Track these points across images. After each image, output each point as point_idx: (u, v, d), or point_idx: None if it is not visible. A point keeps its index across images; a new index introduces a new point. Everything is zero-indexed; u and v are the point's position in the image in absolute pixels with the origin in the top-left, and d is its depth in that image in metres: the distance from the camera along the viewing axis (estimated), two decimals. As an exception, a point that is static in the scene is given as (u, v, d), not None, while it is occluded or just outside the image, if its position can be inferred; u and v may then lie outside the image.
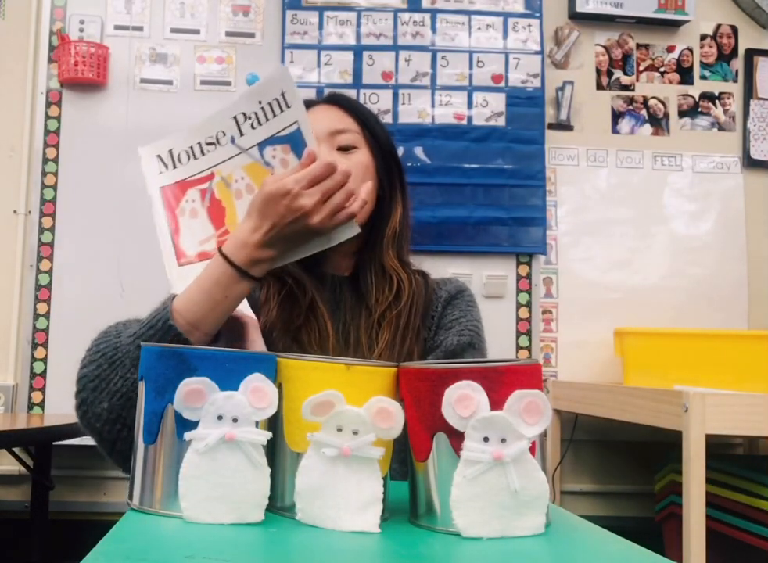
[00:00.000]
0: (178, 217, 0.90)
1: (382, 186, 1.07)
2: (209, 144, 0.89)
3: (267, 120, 0.87)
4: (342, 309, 1.04)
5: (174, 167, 0.90)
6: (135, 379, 0.81)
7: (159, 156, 0.89)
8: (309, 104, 1.07)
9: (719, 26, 2.50)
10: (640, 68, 2.47)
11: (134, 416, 0.75)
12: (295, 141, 0.88)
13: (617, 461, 2.35)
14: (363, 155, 1.04)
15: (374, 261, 1.06)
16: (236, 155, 0.89)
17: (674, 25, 2.47)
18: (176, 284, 0.89)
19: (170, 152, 0.90)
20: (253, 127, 0.88)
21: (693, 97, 2.47)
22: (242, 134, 0.88)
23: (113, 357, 0.85)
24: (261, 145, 0.89)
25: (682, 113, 2.47)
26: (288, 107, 0.86)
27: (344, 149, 1.03)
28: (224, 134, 0.89)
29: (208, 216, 0.91)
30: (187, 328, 0.83)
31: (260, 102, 0.87)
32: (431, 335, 1.05)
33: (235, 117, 0.88)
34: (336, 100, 1.08)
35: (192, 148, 0.90)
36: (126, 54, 2.27)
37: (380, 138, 1.08)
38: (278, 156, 0.88)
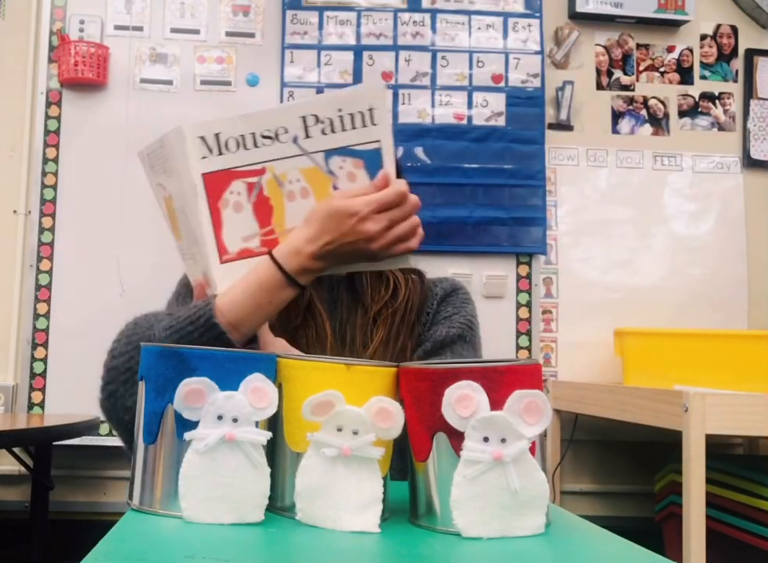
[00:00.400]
0: (221, 209, 0.85)
1: None
2: (265, 137, 0.83)
3: (344, 129, 0.83)
4: (339, 308, 1.05)
5: (220, 154, 0.83)
6: None
7: (203, 138, 0.82)
8: None
9: (719, 26, 2.50)
10: (640, 68, 2.47)
11: None
12: (370, 159, 0.85)
13: (617, 461, 2.34)
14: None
15: None
16: (296, 156, 0.85)
17: (674, 25, 2.47)
18: (218, 282, 0.86)
19: (217, 136, 0.83)
20: (323, 133, 0.83)
21: (693, 97, 2.48)
22: (307, 136, 0.84)
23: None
24: (329, 153, 0.85)
25: (682, 113, 2.47)
26: (374, 124, 0.83)
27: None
28: (286, 131, 0.83)
29: (253, 212, 0.86)
30: (228, 327, 0.83)
31: (339, 110, 0.83)
32: (424, 331, 1.06)
33: (303, 117, 0.83)
34: None
35: (243, 137, 0.83)
36: (126, 54, 2.27)
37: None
38: (345, 169, 0.85)
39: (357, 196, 0.84)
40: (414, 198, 0.86)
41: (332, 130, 0.83)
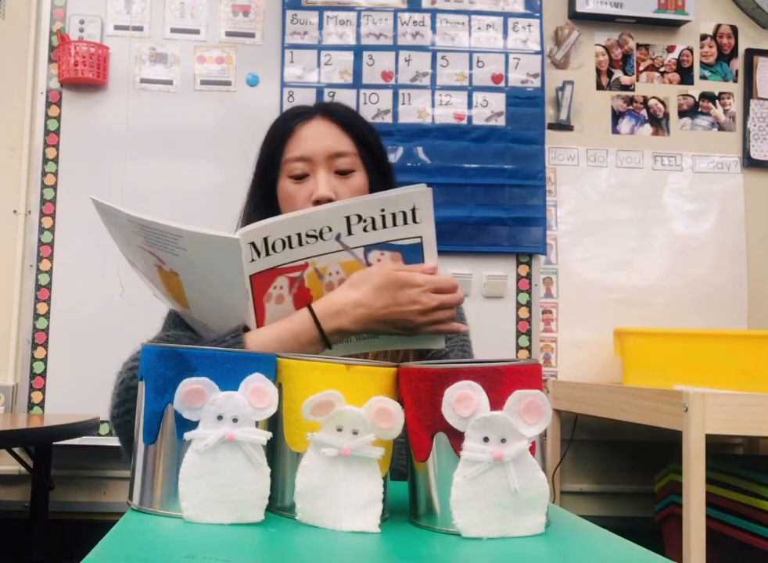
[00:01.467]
0: (264, 303, 0.88)
1: None
2: (309, 236, 0.85)
3: (385, 227, 0.86)
4: None
5: (267, 255, 0.85)
6: None
7: (252, 244, 0.83)
8: (305, 115, 1.08)
9: (719, 26, 2.50)
10: (640, 68, 2.47)
11: None
12: (410, 253, 0.88)
13: (617, 461, 2.35)
14: (359, 179, 1.06)
15: None
16: (337, 252, 0.87)
17: (674, 25, 2.47)
18: (250, 322, 0.88)
19: (265, 239, 0.84)
20: (365, 230, 0.86)
21: (693, 97, 2.48)
22: (350, 234, 0.86)
23: None
24: (369, 248, 0.87)
25: (682, 113, 2.47)
26: (416, 222, 0.85)
27: (342, 173, 1.04)
28: (330, 230, 0.85)
29: (293, 302, 0.89)
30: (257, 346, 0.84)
31: (382, 210, 0.85)
32: None
33: (347, 217, 0.85)
34: (334, 114, 1.07)
35: (289, 237, 0.85)
36: (126, 54, 2.27)
37: (376, 156, 1.09)
38: (384, 261, 0.88)
39: (416, 273, 0.88)
40: (461, 293, 0.91)
41: (374, 228, 0.86)
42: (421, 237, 0.87)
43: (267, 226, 0.83)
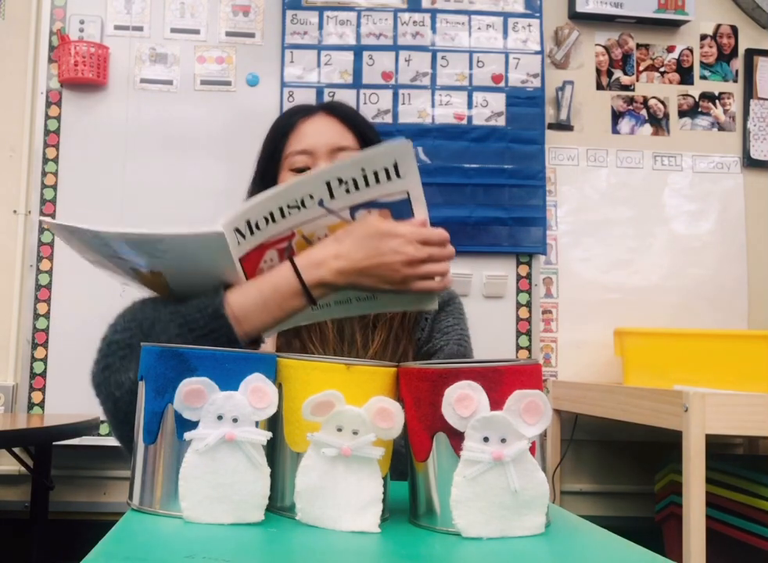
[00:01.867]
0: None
1: None
2: (291, 207, 0.84)
3: (368, 186, 0.83)
4: None
5: (252, 235, 0.84)
6: None
7: (237, 230, 0.82)
8: (308, 112, 1.08)
9: (719, 26, 2.50)
10: (640, 68, 2.47)
11: None
12: (399, 209, 0.85)
13: (617, 461, 2.35)
14: None
15: None
16: (323, 216, 0.85)
17: (674, 25, 2.47)
18: (264, 334, 0.88)
19: (248, 222, 0.83)
20: (347, 192, 0.83)
21: (693, 97, 2.48)
22: (332, 198, 0.84)
23: (149, 329, 0.84)
24: (355, 208, 0.85)
25: (682, 113, 2.47)
26: (399, 177, 0.83)
27: None
28: (312, 198, 0.83)
29: None
30: (233, 320, 0.83)
31: (363, 170, 0.82)
32: (424, 337, 1.08)
33: (328, 182, 0.83)
34: (336, 111, 1.08)
35: (271, 213, 0.84)
36: (126, 54, 2.27)
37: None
38: (370, 215, 0.86)
39: (400, 225, 0.85)
40: (452, 248, 0.87)
41: (357, 188, 0.83)
42: (407, 191, 0.84)
43: (248, 210, 0.82)
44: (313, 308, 0.87)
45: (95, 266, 0.92)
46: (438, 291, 0.88)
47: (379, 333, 1.04)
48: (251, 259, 0.86)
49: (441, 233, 0.86)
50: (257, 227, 0.83)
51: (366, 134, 1.08)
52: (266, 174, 1.09)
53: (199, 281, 0.85)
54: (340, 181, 0.83)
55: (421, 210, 0.86)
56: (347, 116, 1.08)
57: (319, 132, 1.05)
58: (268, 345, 0.95)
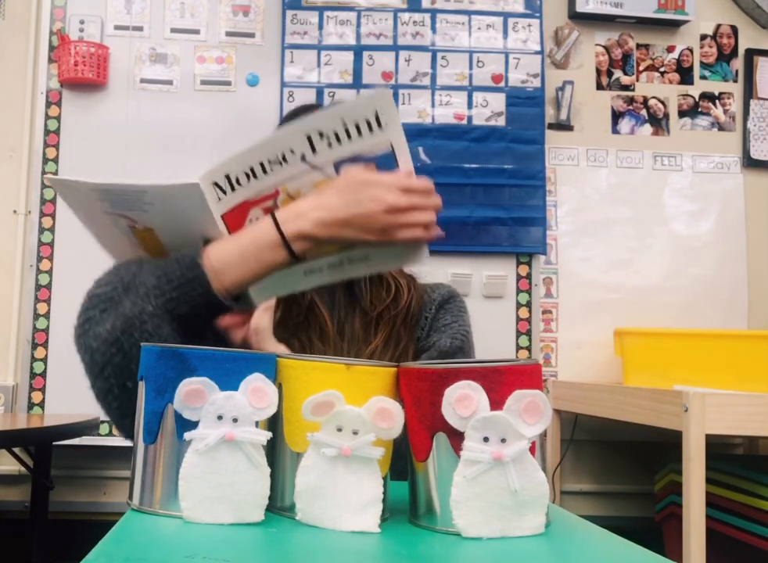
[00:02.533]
0: None
1: None
2: (272, 163, 0.82)
3: (350, 139, 0.81)
4: (336, 308, 1.07)
5: (233, 191, 0.82)
6: (144, 308, 0.81)
7: (216, 184, 0.81)
8: (311, 109, 1.08)
9: (719, 26, 2.50)
10: (640, 68, 2.47)
11: (134, 345, 0.77)
12: (384, 163, 0.84)
13: (617, 461, 2.35)
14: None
15: None
16: (306, 173, 0.83)
17: (674, 25, 2.47)
18: (255, 298, 0.86)
19: (227, 177, 0.81)
20: (329, 146, 0.81)
21: (693, 97, 2.48)
22: (315, 152, 0.82)
23: (129, 283, 0.84)
24: (339, 163, 0.83)
25: (682, 113, 2.47)
26: (381, 128, 0.80)
27: None
28: (293, 152, 0.81)
29: None
30: (210, 271, 0.82)
31: (343, 122, 0.80)
32: (423, 335, 1.08)
33: (309, 136, 0.81)
34: None
35: (252, 169, 0.82)
36: (126, 54, 2.27)
37: None
38: (353, 168, 0.84)
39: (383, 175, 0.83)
40: (438, 197, 0.85)
41: (338, 142, 0.82)
42: (391, 143, 0.82)
43: (226, 164, 0.81)
44: (306, 273, 0.86)
45: (97, 238, 0.93)
46: (424, 241, 0.85)
47: (381, 332, 1.04)
48: (235, 216, 0.84)
49: (424, 182, 0.84)
50: (238, 182, 0.82)
51: None
52: None
53: (190, 240, 0.85)
54: (321, 134, 0.81)
55: (405, 161, 0.83)
56: None
57: None
58: (270, 341, 0.94)
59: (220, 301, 0.82)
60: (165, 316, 0.81)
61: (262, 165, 0.82)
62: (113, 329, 0.81)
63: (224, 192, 0.82)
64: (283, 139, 0.82)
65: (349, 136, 0.81)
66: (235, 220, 0.84)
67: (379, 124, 0.81)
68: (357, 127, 0.81)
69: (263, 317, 0.93)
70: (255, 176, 0.83)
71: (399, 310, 1.05)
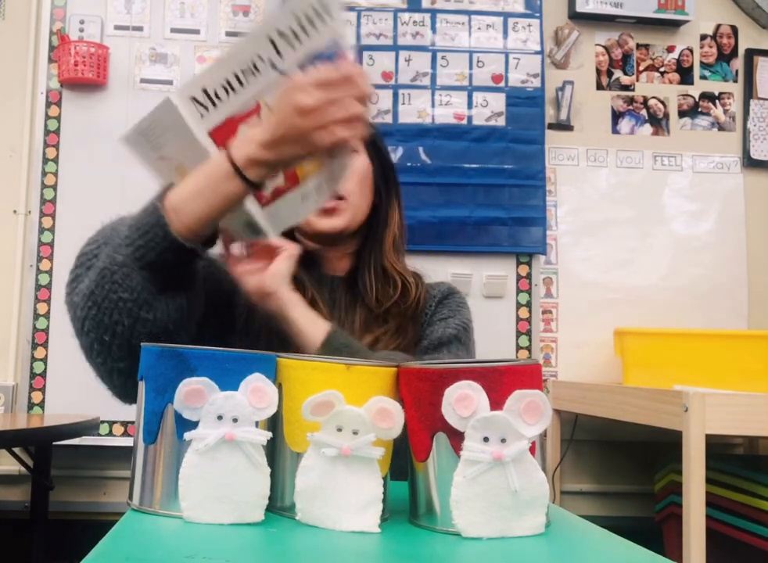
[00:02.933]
0: None
1: (378, 192, 1.09)
2: (245, 72, 0.81)
3: (308, 35, 0.78)
4: (337, 307, 1.07)
5: (215, 106, 0.81)
6: (114, 259, 0.81)
7: (194, 99, 0.80)
8: None
9: (719, 26, 2.50)
10: (640, 68, 2.47)
11: (106, 297, 0.79)
12: (333, 58, 0.80)
13: (617, 461, 2.34)
14: (362, 160, 1.06)
15: (375, 264, 1.09)
16: (280, 82, 0.80)
17: (674, 25, 2.47)
18: (268, 228, 0.85)
19: (205, 91, 0.81)
20: (292, 46, 0.79)
21: (693, 97, 2.47)
22: (280, 56, 0.79)
23: (108, 236, 0.85)
24: (303, 67, 0.79)
25: (682, 113, 2.47)
26: (333, 18, 0.77)
27: None
28: (262, 59, 0.79)
29: None
30: (170, 212, 0.81)
31: (296, 16, 0.77)
32: (422, 331, 1.08)
33: (270, 38, 0.78)
34: None
35: (228, 81, 0.81)
36: (126, 54, 2.27)
37: (378, 143, 1.10)
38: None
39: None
40: (363, 85, 0.77)
41: (298, 40, 0.80)
42: (337, 33, 0.80)
43: (200, 76, 0.82)
44: (302, 199, 0.85)
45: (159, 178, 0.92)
46: (351, 139, 0.78)
47: (388, 325, 1.04)
48: (223, 134, 0.84)
49: (340, 71, 0.76)
50: (217, 96, 0.82)
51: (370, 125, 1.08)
52: None
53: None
54: (281, 34, 0.79)
55: (346, 51, 0.79)
56: None
57: None
58: (285, 287, 0.92)
59: (183, 244, 0.80)
60: (134, 265, 0.80)
61: (237, 76, 0.82)
62: (89, 282, 0.83)
63: (206, 108, 0.82)
64: (249, 44, 0.81)
65: (306, 32, 0.79)
66: (225, 137, 0.84)
67: (330, 14, 0.79)
68: (311, 21, 0.79)
69: (284, 262, 0.92)
70: (233, 89, 0.82)
71: (408, 304, 1.05)
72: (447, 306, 1.10)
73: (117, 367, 0.85)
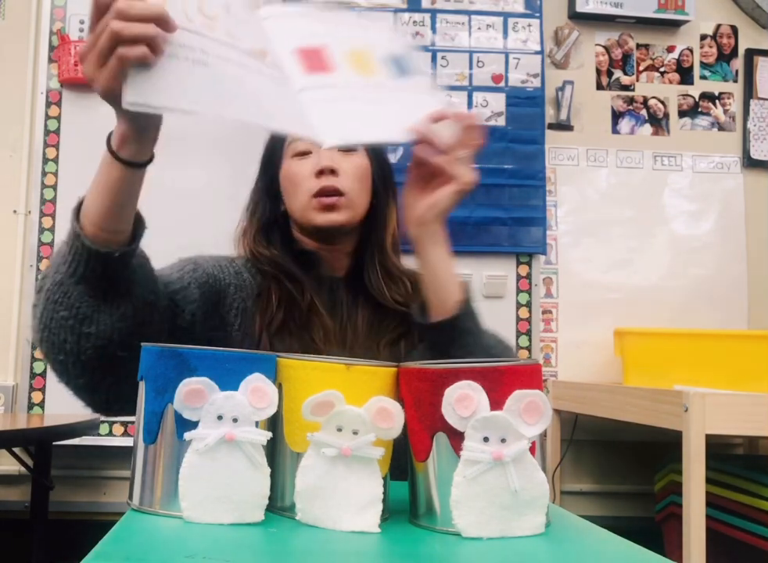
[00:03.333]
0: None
1: (376, 191, 1.09)
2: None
3: None
4: (338, 308, 1.05)
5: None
6: (57, 279, 0.80)
7: None
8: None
9: (719, 26, 2.50)
10: (640, 68, 2.47)
11: (52, 317, 0.79)
12: None
13: (617, 461, 2.35)
14: (361, 159, 1.06)
15: (376, 264, 1.08)
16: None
17: (674, 25, 2.47)
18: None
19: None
20: None
21: (693, 97, 2.48)
22: None
23: (53, 258, 0.84)
24: None
25: (682, 113, 2.47)
26: None
27: (345, 151, 1.04)
28: None
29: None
30: (83, 219, 0.79)
31: None
32: None
33: None
34: None
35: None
36: (126, 54, 2.26)
37: (378, 148, 1.10)
38: None
39: None
40: (121, 4, 0.65)
41: None
42: None
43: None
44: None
45: None
46: (102, 75, 0.69)
47: (385, 328, 1.04)
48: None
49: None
50: None
51: None
52: (269, 164, 1.09)
53: None
54: None
55: None
56: None
57: None
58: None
59: (98, 250, 0.77)
60: (70, 281, 0.79)
61: None
62: (39, 306, 0.82)
63: None
64: None
65: None
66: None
67: None
68: None
69: (451, 196, 0.96)
70: None
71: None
72: None
73: (77, 384, 0.85)
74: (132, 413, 0.87)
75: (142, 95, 0.67)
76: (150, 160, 0.81)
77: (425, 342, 0.98)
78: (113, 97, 0.69)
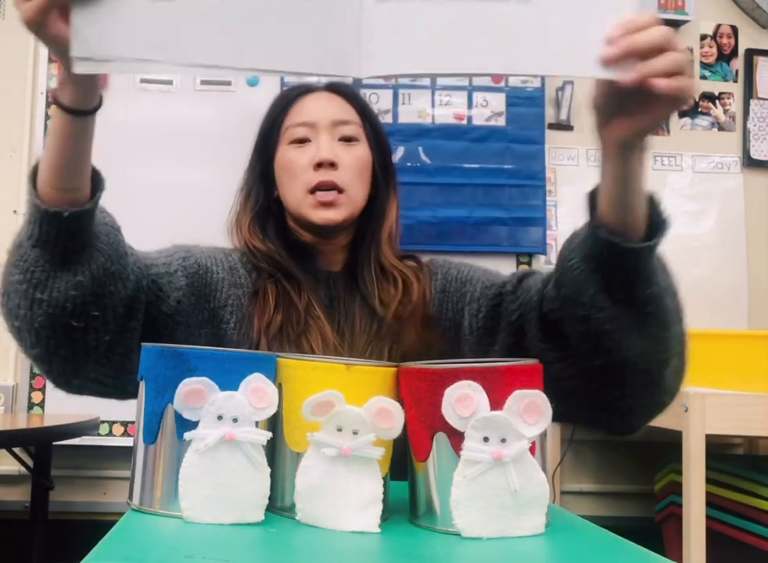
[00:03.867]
0: None
1: (377, 183, 1.05)
2: None
3: None
4: (336, 305, 1.02)
5: None
6: (16, 242, 0.82)
7: None
8: (309, 90, 1.06)
9: (719, 26, 2.50)
10: (640, 68, 2.47)
11: (7, 281, 0.79)
12: None
13: (617, 461, 2.34)
14: (363, 149, 1.02)
15: (371, 259, 1.04)
16: None
17: (674, 25, 2.46)
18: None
19: None
20: None
21: (693, 97, 2.48)
22: None
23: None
24: None
25: (682, 113, 2.47)
26: None
27: (346, 140, 1.01)
28: None
29: None
30: (38, 180, 0.80)
31: None
32: (435, 311, 1.01)
33: None
34: (338, 89, 1.05)
35: None
36: (126, 54, 2.26)
37: (379, 132, 1.07)
38: None
39: None
40: None
41: None
42: None
43: None
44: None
45: None
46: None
47: (382, 326, 0.99)
48: None
49: None
50: None
51: (369, 110, 1.06)
52: (264, 150, 1.05)
53: None
54: None
55: None
56: (349, 94, 1.06)
57: (321, 105, 1.02)
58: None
59: (47, 209, 0.77)
60: (27, 244, 0.79)
61: None
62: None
63: None
64: None
65: None
66: None
67: None
68: None
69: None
70: None
71: (415, 303, 0.99)
72: (456, 267, 1.04)
73: (33, 354, 0.82)
74: (95, 392, 0.86)
75: (91, 47, 0.58)
76: (97, 108, 0.78)
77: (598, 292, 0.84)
78: (44, 35, 0.64)
